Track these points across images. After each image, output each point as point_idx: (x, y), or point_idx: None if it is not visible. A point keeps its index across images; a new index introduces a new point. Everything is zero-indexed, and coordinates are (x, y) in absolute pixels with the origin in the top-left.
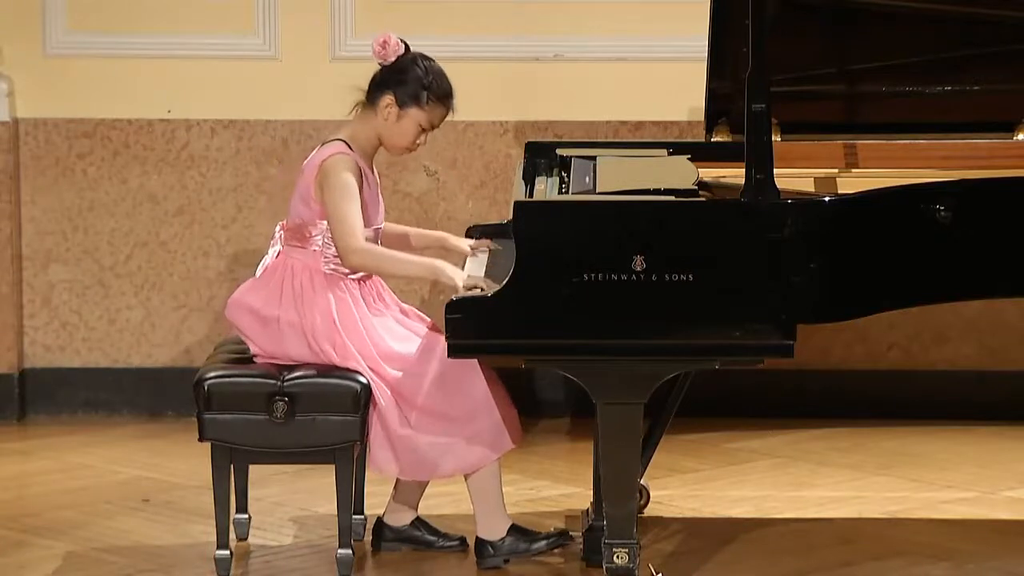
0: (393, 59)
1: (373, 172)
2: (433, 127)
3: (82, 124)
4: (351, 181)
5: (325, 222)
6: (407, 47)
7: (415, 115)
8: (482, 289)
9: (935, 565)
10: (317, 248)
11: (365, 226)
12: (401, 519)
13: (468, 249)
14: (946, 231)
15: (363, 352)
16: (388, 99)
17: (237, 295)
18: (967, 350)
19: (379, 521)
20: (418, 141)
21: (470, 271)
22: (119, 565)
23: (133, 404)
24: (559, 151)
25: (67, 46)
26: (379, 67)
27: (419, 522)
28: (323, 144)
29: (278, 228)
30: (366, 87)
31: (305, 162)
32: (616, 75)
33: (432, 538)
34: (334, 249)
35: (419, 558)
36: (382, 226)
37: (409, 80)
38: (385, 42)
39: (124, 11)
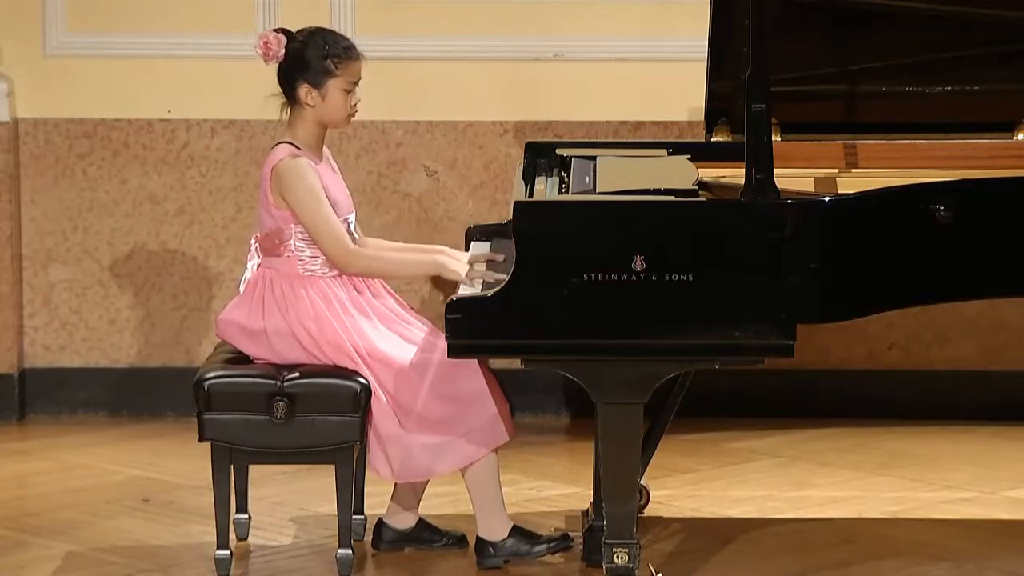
0: (283, 52)
1: (324, 160)
2: (356, 83)
3: (82, 124)
4: (312, 181)
5: (292, 226)
6: (288, 33)
7: (335, 84)
8: (485, 280)
9: (935, 565)
10: (291, 254)
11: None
12: (403, 521)
13: (463, 276)
14: (946, 231)
15: (357, 352)
16: (304, 88)
17: (223, 313)
18: (967, 350)
19: (380, 521)
20: (353, 103)
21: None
22: (119, 565)
23: (133, 404)
24: (559, 151)
25: (67, 46)
26: (277, 66)
27: (421, 523)
28: (271, 149)
29: (252, 241)
30: (279, 90)
31: (261, 173)
32: (616, 75)
33: (434, 537)
34: (308, 252)
35: (419, 558)
36: (352, 215)
37: (310, 60)
38: (266, 43)
39: (124, 11)
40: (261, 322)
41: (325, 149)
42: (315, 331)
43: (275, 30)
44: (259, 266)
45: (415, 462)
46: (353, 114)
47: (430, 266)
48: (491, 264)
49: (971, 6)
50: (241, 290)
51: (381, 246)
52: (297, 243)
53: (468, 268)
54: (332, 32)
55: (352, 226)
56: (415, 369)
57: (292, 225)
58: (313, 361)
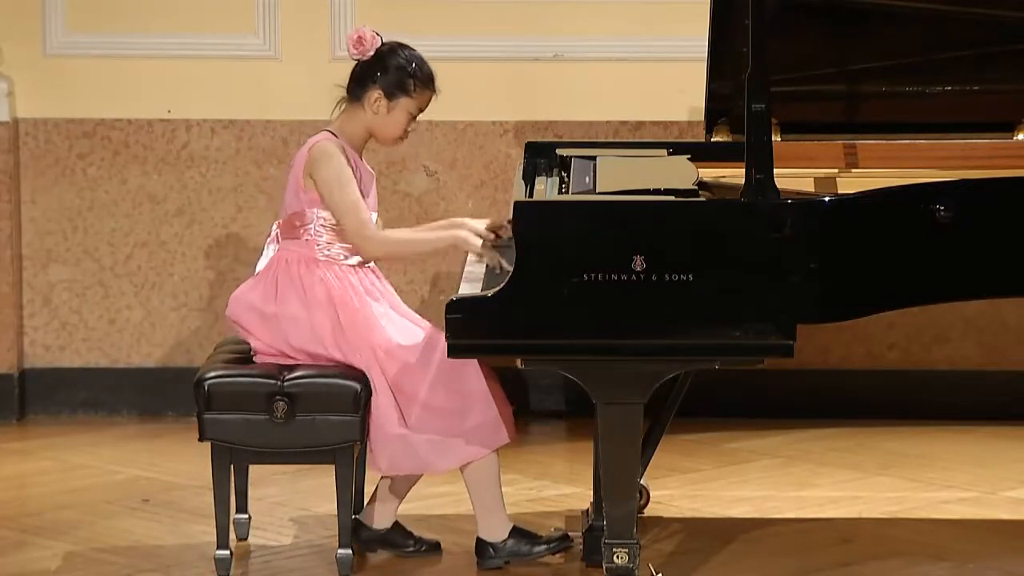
0: (372, 53)
1: (363, 163)
2: (421, 112)
3: (82, 124)
4: (344, 166)
5: (315, 210)
6: (381, 38)
7: (405, 104)
8: (500, 266)
9: (935, 565)
10: (309, 238)
11: None
12: (380, 521)
13: (476, 249)
14: (946, 231)
15: (367, 341)
16: (376, 93)
17: (237, 292)
18: (967, 350)
19: (356, 521)
20: (409, 128)
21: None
22: (119, 565)
23: (133, 404)
24: (559, 151)
25: (67, 46)
26: (356, 62)
27: (396, 527)
28: (310, 138)
29: (274, 227)
30: (345, 83)
31: (294, 157)
32: (616, 75)
33: (407, 542)
34: (326, 237)
35: (419, 559)
36: (374, 215)
37: (392, 71)
38: (360, 38)
39: (124, 11)
40: (274, 306)
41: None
42: (332, 321)
43: (373, 30)
44: (278, 250)
45: (416, 457)
46: (404, 139)
47: (450, 240)
48: (502, 250)
49: (971, 6)
50: (257, 271)
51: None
52: (317, 228)
53: (482, 242)
54: (420, 55)
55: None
56: (422, 359)
57: (316, 209)
58: (319, 350)
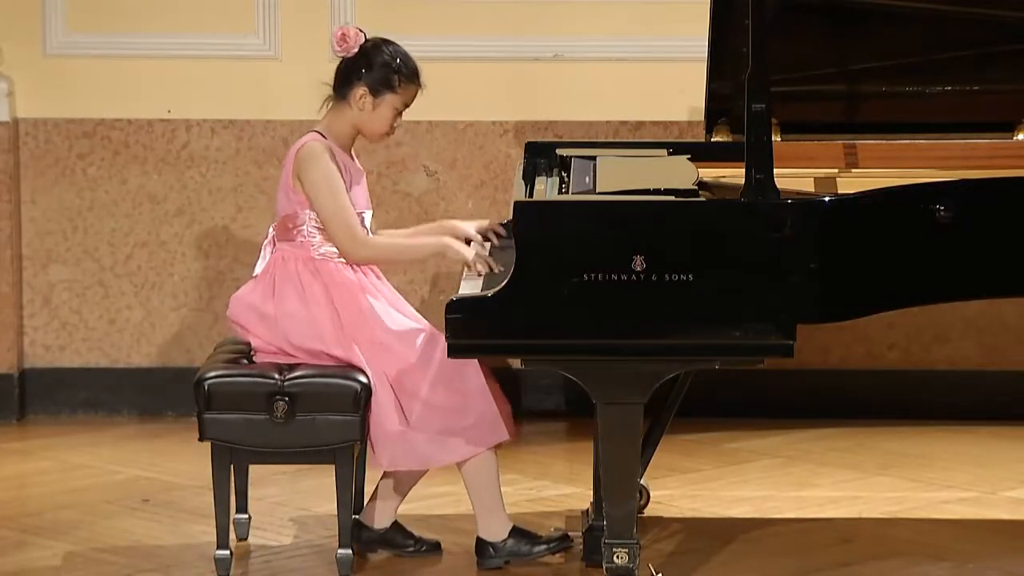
0: (356, 50)
1: (354, 161)
2: (407, 107)
3: (82, 124)
4: (330, 168)
5: (307, 211)
6: (365, 35)
7: (390, 100)
8: (490, 268)
9: (935, 565)
10: (303, 239)
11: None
12: (380, 520)
13: (468, 259)
14: (946, 231)
15: (367, 338)
16: (361, 90)
17: (238, 293)
18: (967, 350)
19: (356, 521)
20: (395, 124)
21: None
22: (119, 565)
23: (133, 404)
24: (559, 151)
25: (67, 46)
26: (341, 59)
27: (396, 527)
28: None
29: (270, 229)
30: (332, 81)
31: (284, 159)
32: (616, 75)
33: (408, 542)
34: (319, 237)
35: (419, 559)
36: (367, 213)
37: (377, 67)
38: (344, 35)
39: (124, 11)
40: (272, 305)
41: (353, 152)
42: (331, 318)
43: (357, 27)
44: (274, 252)
45: (416, 452)
46: (391, 134)
47: (435, 247)
48: (495, 253)
49: (971, 6)
50: (256, 272)
51: (392, 235)
52: (309, 228)
53: (472, 252)
54: (404, 50)
55: (367, 223)
56: (422, 358)
57: (307, 211)
58: (319, 347)
